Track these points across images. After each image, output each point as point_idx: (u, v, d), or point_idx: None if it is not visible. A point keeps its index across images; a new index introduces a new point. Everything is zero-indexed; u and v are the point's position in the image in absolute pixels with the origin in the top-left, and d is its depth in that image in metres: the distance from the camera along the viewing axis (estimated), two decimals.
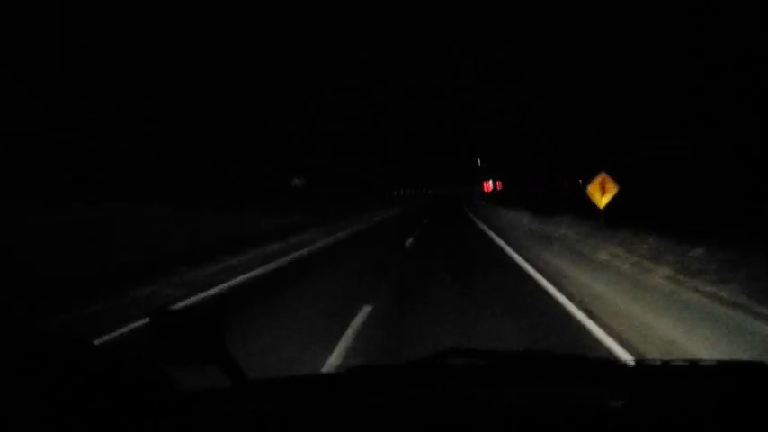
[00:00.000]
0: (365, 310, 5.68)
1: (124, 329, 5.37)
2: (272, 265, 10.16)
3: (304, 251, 12.59)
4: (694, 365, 1.19)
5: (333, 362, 4.02)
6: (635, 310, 5.35)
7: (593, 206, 12.13)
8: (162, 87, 31.66)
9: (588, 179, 12.38)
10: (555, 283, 6.87)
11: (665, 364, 1.20)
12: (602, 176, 11.86)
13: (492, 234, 15.08)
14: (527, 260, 9.18)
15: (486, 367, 1.30)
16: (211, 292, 7.59)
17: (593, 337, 4.52)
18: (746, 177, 18.00)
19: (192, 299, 7.11)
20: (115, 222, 15.33)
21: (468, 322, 5.17)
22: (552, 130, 41.16)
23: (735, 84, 19.19)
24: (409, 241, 13.97)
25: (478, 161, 77.45)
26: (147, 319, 5.00)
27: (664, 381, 1.17)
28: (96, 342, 5.63)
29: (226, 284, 8.10)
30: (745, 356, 3.62)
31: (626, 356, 3.85)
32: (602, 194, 11.86)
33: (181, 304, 6.62)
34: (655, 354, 3.89)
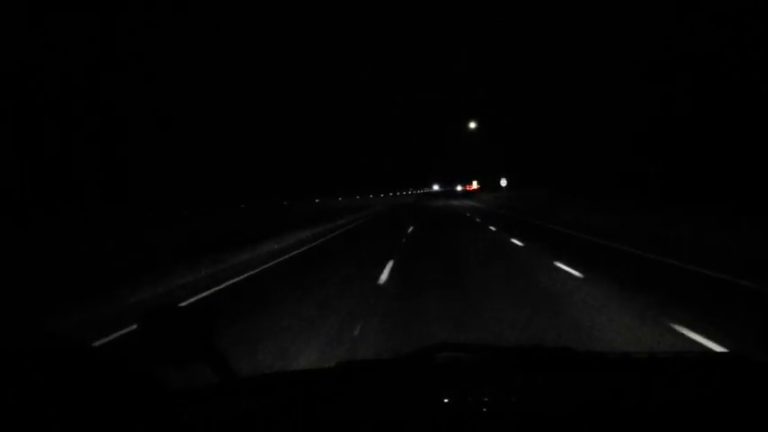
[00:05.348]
0: None
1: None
2: None
3: None
4: (680, 357, 1.23)
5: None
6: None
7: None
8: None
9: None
10: None
11: (652, 356, 1.23)
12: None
13: None
14: None
15: (475, 362, 1.30)
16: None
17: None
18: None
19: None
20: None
21: None
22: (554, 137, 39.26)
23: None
24: None
25: (471, 125, 55.52)
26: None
27: (652, 373, 1.20)
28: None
29: None
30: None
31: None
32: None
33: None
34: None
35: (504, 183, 42.74)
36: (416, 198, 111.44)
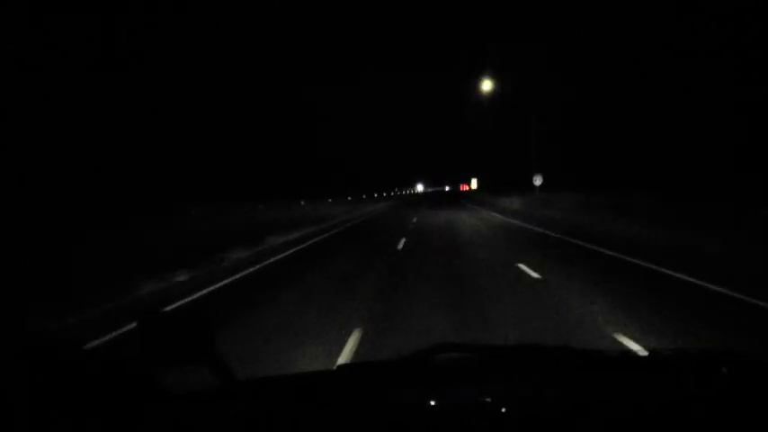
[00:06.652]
0: None
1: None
2: None
3: None
4: (679, 356, 1.24)
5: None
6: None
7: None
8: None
9: None
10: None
11: (654, 353, 1.24)
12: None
13: None
14: None
15: (474, 363, 1.30)
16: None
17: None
18: None
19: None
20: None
21: None
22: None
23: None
24: None
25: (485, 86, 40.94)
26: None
27: (651, 371, 1.20)
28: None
29: None
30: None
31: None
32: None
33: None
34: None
35: (538, 182, 28.38)
36: (399, 204, 65.58)
